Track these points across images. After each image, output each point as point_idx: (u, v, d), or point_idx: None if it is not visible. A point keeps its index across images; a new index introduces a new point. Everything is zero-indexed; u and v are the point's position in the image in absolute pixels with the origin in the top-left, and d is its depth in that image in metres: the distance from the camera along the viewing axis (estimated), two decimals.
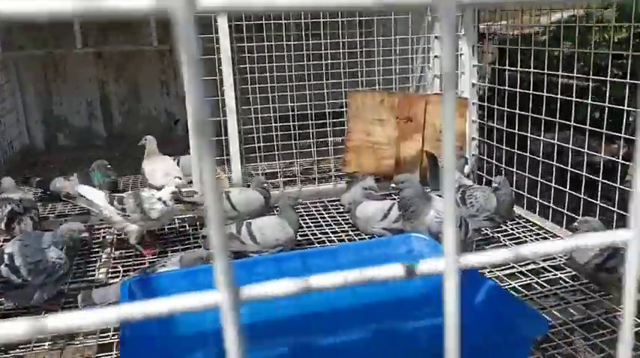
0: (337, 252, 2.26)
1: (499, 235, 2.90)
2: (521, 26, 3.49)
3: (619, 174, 2.64)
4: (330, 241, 2.88)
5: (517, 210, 3.18)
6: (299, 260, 2.20)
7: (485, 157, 3.58)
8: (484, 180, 3.55)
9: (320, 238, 2.90)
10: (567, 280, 2.38)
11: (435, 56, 3.60)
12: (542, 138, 3.06)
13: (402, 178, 2.57)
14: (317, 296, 2.05)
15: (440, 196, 2.68)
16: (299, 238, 2.90)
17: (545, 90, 2.97)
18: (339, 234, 2.95)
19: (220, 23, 3.01)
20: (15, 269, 2.14)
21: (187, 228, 3.07)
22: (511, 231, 2.93)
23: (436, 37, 3.57)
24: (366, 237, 2.90)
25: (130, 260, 2.68)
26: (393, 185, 2.57)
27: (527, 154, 3.13)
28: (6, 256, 2.15)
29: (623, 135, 2.61)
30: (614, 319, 2.10)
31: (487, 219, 2.84)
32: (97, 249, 2.83)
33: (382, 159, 3.46)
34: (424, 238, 2.33)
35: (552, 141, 2.97)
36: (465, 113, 3.55)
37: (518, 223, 3.05)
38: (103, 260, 2.71)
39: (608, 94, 2.68)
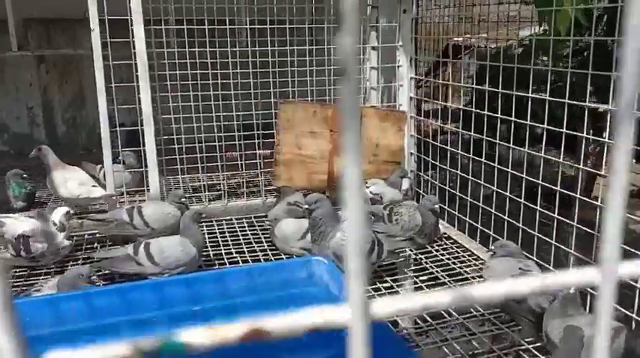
0: (228, 276, 2.09)
1: (422, 257, 2.73)
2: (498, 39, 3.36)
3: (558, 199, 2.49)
4: (244, 261, 2.70)
5: (447, 230, 3.03)
6: (184, 285, 2.03)
7: (422, 174, 3.43)
8: (421, 197, 3.40)
9: (234, 258, 2.73)
10: (479, 308, 2.23)
11: (372, 67, 3.45)
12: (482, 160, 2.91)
13: (314, 198, 2.41)
14: None
15: None
16: (211, 257, 2.73)
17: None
18: (257, 254, 2.77)
19: (136, 28, 2.84)
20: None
21: (90, 246, 2.88)
22: (435, 253, 2.77)
23: (372, 47, 3.42)
24: (284, 257, 2.74)
25: (22, 280, 2.48)
26: (305, 206, 2.40)
27: (467, 175, 2.98)
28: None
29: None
30: (520, 353, 1.94)
31: (407, 240, 2.69)
32: None
33: (314, 174, 3.30)
34: (325, 262, 2.16)
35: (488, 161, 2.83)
36: (404, 127, 3.41)
37: (445, 244, 2.89)
38: None
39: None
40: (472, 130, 2.90)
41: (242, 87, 3.22)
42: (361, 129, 3.30)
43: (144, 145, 3.01)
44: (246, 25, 3.20)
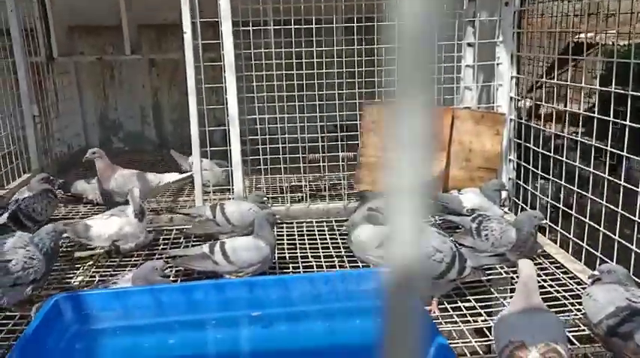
0: (291, 282, 2.01)
1: (514, 276, 2.45)
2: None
3: None
4: (318, 266, 2.62)
5: (547, 247, 2.70)
6: (245, 288, 1.99)
7: (521, 183, 3.10)
8: (520, 209, 3.08)
9: (309, 262, 2.65)
10: (575, 342, 1.93)
11: (467, 65, 3.19)
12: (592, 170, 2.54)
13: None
14: None
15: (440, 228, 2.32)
16: (286, 259, 2.68)
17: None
18: (332, 260, 2.67)
19: (224, 30, 2.88)
20: None
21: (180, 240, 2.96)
22: None
23: (468, 44, 3.16)
24: (361, 265, 2.60)
25: (110, 270, 2.61)
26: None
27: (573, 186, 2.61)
28: None
29: None
30: None
31: (496, 255, 2.42)
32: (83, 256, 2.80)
33: None
34: None
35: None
36: (502, 130, 3.11)
37: (543, 263, 2.57)
38: (85, 268, 2.68)
39: None
40: (594, 138, 2.49)
41: (327, 87, 3.14)
42: (453, 132, 3.07)
43: (230, 145, 3.05)
44: (334, 24, 3.11)
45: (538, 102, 3.15)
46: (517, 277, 2.42)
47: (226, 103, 3.00)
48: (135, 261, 2.68)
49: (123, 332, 1.89)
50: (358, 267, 2.59)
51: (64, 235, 2.45)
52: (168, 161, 4.59)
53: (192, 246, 2.78)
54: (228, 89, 2.96)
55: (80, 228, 2.66)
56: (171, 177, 3.23)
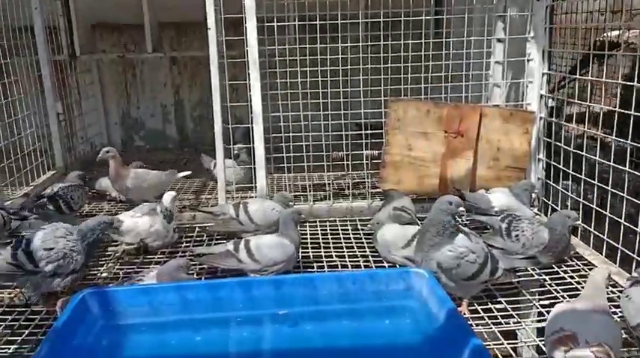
0: (318, 281, 1.97)
1: (546, 278, 2.38)
2: None
3: None
4: (343, 266, 2.57)
5: (580, 248, 2.62)
6: (272, 287, 1.95)
7: (551, 183, 3.02)
8: (550, 210, 3.00)
9: (333, 261, 2.61)
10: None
11: (496, 62, 3.11)
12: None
13: (460, 201, 2.14)
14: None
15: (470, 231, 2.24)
16: (310, 258, 2.64)
17: None
18: (357, 259, 2.63)
19: (249, 26, 2.85)
20: (29, 253, 2.14)
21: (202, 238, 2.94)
22: (562, 275, 2.39)
23: (498, 39, 3.09)
24: (386, 265, 2.56)
25: (134, 266, 2.60)
26: (461, 208, 2.12)
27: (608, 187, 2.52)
28: (24, 241, 2.17)
29: None
30: None
31: (528, 258, 2.35)
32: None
33: (425, 178, 3.06)
34: (425, 275, 1.95)
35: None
36: (531, 129, 3.03)
37: (575, 265, 2.49)
38: (108, 264, 2.67)
39: None
40: (630, 137, 2.40)
41: (352, 84, 3.09)
42: (480, 130, 3.00)
43: (253, 143, 3.02)
44: (360, 19, 3.06)
45: (570, 100, 3.06)
46: (549, 279, 2.36)
47: (250, 101, 2.97)
48: (159, 258, 2.67)
49: (149, 328, 1.87)
50: (383, 266, 2.54)
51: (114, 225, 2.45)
52: (190, 159, 4.62)
53: (216, 243, 2.77)
54: (252, 86, 2.93)
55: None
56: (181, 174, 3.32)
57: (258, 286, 1.94)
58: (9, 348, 1.98)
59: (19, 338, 2.02)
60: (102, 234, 2.32)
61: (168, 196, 2.68)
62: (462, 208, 2.12)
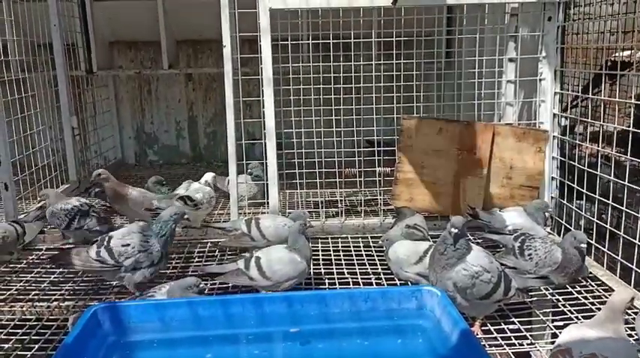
0: (330, 298, 1.96)
1: (560, 298, 2.35)
2: None
3: None
4: (354, 283, 2.56)
5: (594, 269, 2.59)
6: (284, 304, 1.95)
7: (565, 202, 3.00)
8: (563, 229, 2.97)
9: (345, 278, 2.60)
10: None
11: (509, 81, 3.12)
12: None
13: (461, 221, 2.12)
14: None
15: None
16: (322, 275, 2.63)
17: None
18: (369, 276, 2.62)
19: (264, 45, 2.89)
20: (109, 250, 2.36)
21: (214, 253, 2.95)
22: (576, 295, 2.37)
23: (510, 59, 3.10)
24: (398, 282, 2.54)
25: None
26: (454, 230, 2.10)
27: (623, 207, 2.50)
28: (106, 239, 2.40)
29: None
30: None
31: (541, 278, 2.33)
32: None
33: (438, 196, 3.06)
34: (437, 294, 1.94)
35: None
36: (544, 148, 3.02)
37: (589, 285, 2.46)
38: None
39: None
40: None
41: (365, 102, 3.11)
42: (493, 148, 3.00)
43: (266, 159, 3.04)
44: (373, 38, 3.10)
45: (584, 120, 3.06)
46: (563, 300, 2.33)
47: (263, 117, 2.99)
48: (171, 273, 2.68)
49: (160, 344, 1.87)
50: (395, 283, 2.53)
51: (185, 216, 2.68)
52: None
53: (227, 259, 2.77)
54: (266, 103, 2.96)
55: None
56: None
57: (269, 303, 1.94)
58: None
59: (29, 353, 2.03)
60: (175, 225, 2.50)
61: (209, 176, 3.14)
62: (454, 229, 2.07)
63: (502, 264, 2.31)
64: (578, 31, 3.34)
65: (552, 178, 3.08)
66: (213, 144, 5.41)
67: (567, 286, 2.43)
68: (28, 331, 2.18)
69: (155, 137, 5.41)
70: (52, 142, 3.92)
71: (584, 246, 2.34)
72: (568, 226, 2.93)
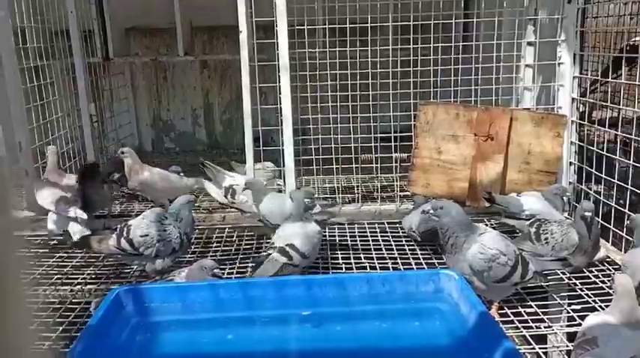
0: (347, 282, 1.98)
1: (577, 282, 2.35)
2: None
3: None
4: (372, 268, 2.58)
5: (611, 253, 2.58)
6: (303, 287, 1.97)
7: (583, 186, 2.97)
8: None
9: (362, 263, 2.62)
10: None
11: (527, 65, 3.09)
12: None
13: (438, 204, 2.19)
14: None
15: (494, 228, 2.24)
16: (339, 260, 2.65)
17: None
18: (386, 262, 2.63)
19: (280, 30, 2.88)
20: (129, 241, 2.39)
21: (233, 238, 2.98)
22: (594, 279, 2.36)
23: (529, 42, 3.06)
24: (415, 267, 2.56)
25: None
26: (430, 211, 2.20)
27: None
28: (125, 229, 2.42)
29: None
30: None
31: (558, 260, 2.32)
32: None
33: (454, 181, 3.05)
34: (455, 277, 1.95)
35: None
36: (562, 133, 2.99)
37: (607, 269, 2.45)
38: None
39: None
40: None
41: (381, 87, 3.10)
42: (511, 133, 2.98)
43: (283, 145, 3.05)
44: (391, 22, 3.07)
45: (602, 104, 3.01)
46: (580, 283, 2.33)
47: (280, 103, 3.00)
48: (189, 258, 2.72)
49: (182, 325, 1.91)
50: (412, 268, 2.54)
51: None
52: (221, 162, 4.69)
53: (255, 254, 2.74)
54: (282, 89, 2.96)
55: None
56: (193, 182, 3.34)
57: (289, 286, 1.96)
58: (43, 344, 2.04)
59: (54, 334, 2.08)
60: (191, 211, 2.51)
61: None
62: (587, 213, 2.25)
63: (519, 249, 2.31)
64: (598, 14, 3.29)
65: (570, 163, 3.05)
66: (229, 132, 5.43)
67: (584, 270, 2.42)
68: (51, 314, 2.24)
69: (171, 124, 5.44)
70: (71, 129, 3.96)
71: (588, 214, 2.31)
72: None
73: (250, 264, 2.52)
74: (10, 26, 3.10)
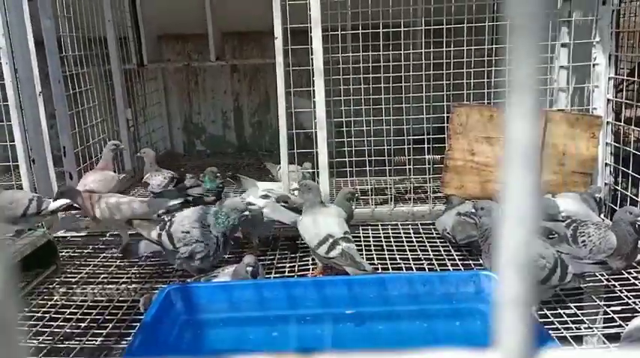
0: (387, 282, 2.03)
1: (616, 284, 2.35)
2: None
3: None
4: (407, 268, 2.61)
5: None
6: (344, 286, 2.02)
7: (619, 188, 2.96)
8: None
9: (398, 264, 2.66)
10: None
11: (561, 67, 3.09)
12: None
13: (481, 204, 2.22)
14: None
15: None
16: (375, 261, 2.69)
17: None
18: (421, 262, 2.67)
19: (314, 36, 2.94)
20: (169, 235, 2.38)
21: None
22: (633, 281, 2.36)
23: (562, 44, 3.06)
24: (451, 268, 2.58)
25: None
26: (472, 211, 2.23)
27: None
28: (168, 223, 2.42)
29: None
30: None
31: (598, 263, 2.33)
32: None
33: (488, 183, 3.07)
34: (495, 278, 1.97)
35: None
36: (598, 134, 2.99)
37: None
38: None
39: None
40: None
41: (414, 90, 3.14)
42: (545, 135, 2.98)
43: (317, 147, 3.11)
44: (421, 26, 3.11)
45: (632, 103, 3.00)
46: (619, 285, 2.33)
47: (314, 106, 3.06)
48: (228, 257, 2.79)
49: (229, 322, 1.98)
50: (448, 269, 2.57)
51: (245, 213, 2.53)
52: (250, 164, 4.80)
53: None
54: (317, 92, 3.02)
55: None
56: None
57: (330, 285, 2.02)
58: (96, 340, 2.14)
59: (104, 331, 2.17)
60: (238, 221, 2.43)
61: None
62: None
63: (558, 251, 2.32)
64: (633, 14, 3.28)
65: (606, 164, 3.05)
66: (258, 134, 5.52)
67: (623, 272, 2.42)
68: (101, 311, 2.33)
69: (202, 127, 5.55)
70: (108, 134, 4.09)
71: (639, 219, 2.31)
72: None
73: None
74: (55, 35, 3.23)
